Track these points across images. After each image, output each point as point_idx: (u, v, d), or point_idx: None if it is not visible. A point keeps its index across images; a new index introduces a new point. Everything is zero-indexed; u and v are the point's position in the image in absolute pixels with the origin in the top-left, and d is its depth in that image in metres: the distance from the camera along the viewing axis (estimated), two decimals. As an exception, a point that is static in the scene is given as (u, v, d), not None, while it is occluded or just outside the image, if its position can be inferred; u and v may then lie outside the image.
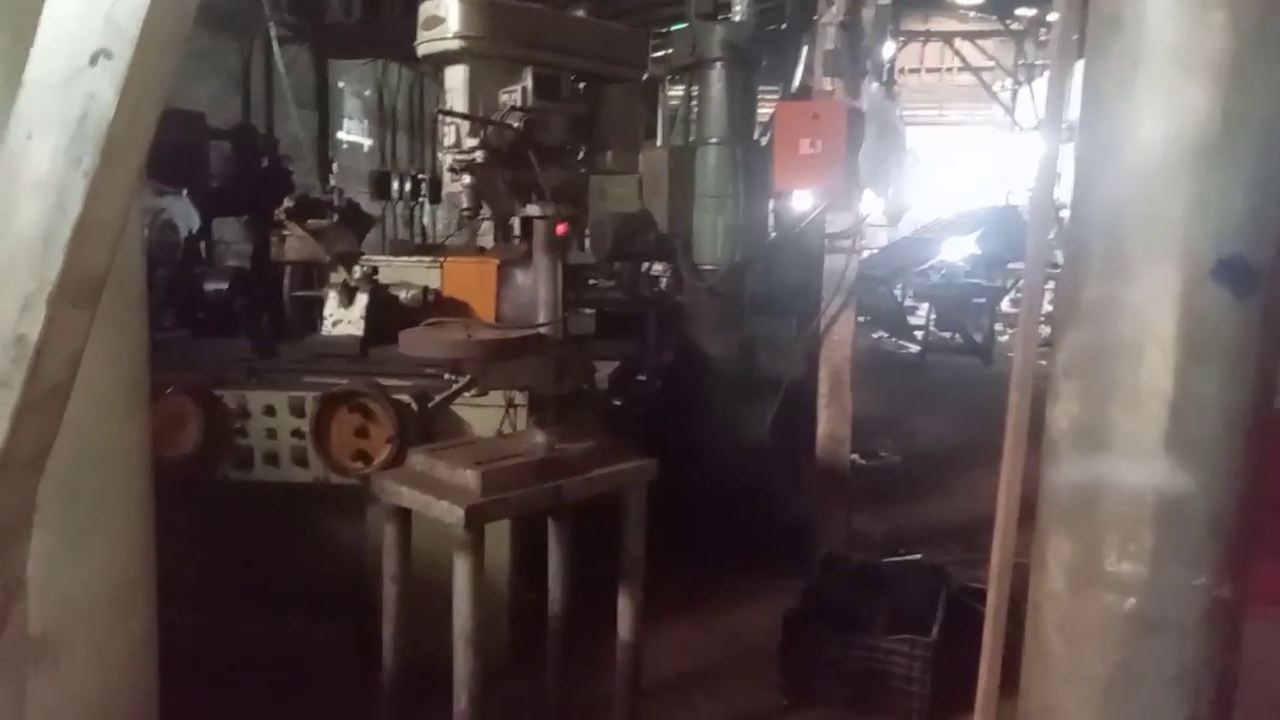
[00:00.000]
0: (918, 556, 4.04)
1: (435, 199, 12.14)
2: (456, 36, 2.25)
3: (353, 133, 10.85)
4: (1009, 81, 15.99)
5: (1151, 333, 0.95)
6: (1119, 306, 0.98)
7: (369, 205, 10.33)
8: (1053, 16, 14.41)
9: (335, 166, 9.74)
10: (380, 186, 10.71)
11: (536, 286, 2.62)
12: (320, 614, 3.34)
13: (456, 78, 2.33)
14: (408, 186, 11.33)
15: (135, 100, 1.28)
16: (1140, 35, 0.95)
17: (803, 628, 3.35)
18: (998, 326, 11.30)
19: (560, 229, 2.47)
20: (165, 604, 3.29)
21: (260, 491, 3.32)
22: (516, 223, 2.58)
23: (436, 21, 2.26)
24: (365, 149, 11.23)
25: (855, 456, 4.78)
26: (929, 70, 17.20)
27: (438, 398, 2.60)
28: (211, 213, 5.38)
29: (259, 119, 8.28)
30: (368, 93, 11.03)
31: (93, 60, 1.26)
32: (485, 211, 2.57)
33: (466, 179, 2.39)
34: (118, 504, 1.93)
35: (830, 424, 4.22)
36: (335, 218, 3.81)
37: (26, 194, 1.30)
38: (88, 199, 1.27)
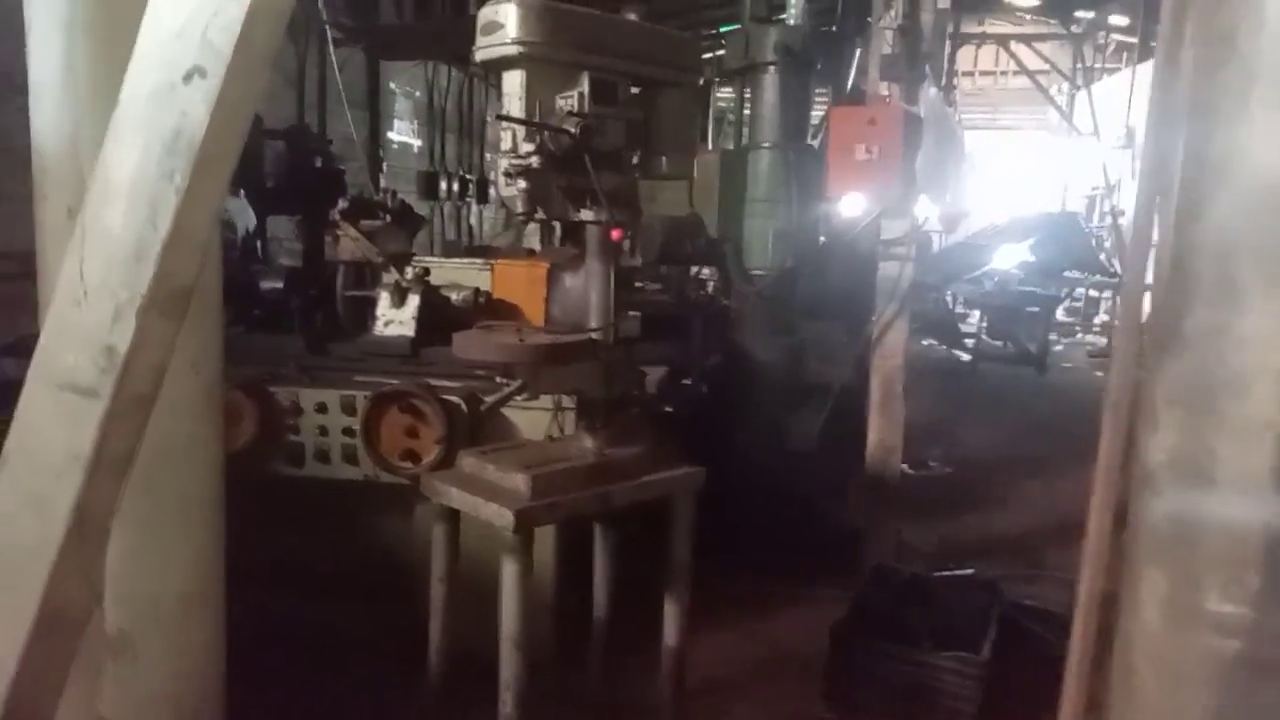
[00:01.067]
0: (969, 571, 3.96)
1: (482, 199, 12.27)
2: (514, 42, 2.25)
3: (402, 133, 10.98)
4: (1065, 85, 15.68)
5: (1264, 364, 0.90)
6: (1228, 336, 0.93)
7: (417, 205, 10.49)
8: (1114, 20, 14.06)
9: (385, 166, 9.88)
10: (429, 187, 10.87)
11: (588, 291, 2.61)
12: (369, 602, 3.38)
13: (514, 83, 2.33)
14: (455, 187, 11.47)
15: (226, 117, 1.31)
16: (1258, 55, 0.90)
17: (850, 640, 3.30)
18: (1052, 336, 11.08)
19: (615, 234, 2.45)
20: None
21: (311, 487, 3.36)
22: (558, 225, 2.58)
23: (495, 27, 2.26)
24: (414, 149, 11.36)
25: (905, 466, 4.71)
26: (983, 73, 16.95)
27: (488, 401, 2.60)
28: (266, 211, 5.46)
29: (312, 118, 8.42)
30: (418, 94, 11.16)
31: (187, 78, 1.29)
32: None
33: (522, 184, 2.39)
34: (192, 503, 2.00)
35: (880, 433, 4.16)
36: (388, 219, 3.85)
37: (120, 206, 1.33)
38: (179, 213, 1.30)
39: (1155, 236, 1.05)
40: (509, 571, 2.38)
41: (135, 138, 1.33)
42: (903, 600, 3.63)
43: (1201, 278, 0.96)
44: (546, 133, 2.29)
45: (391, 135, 10.74)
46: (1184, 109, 0.97)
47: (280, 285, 3.82)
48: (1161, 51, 0.95)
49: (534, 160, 2.33)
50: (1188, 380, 0.97)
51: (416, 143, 11.50)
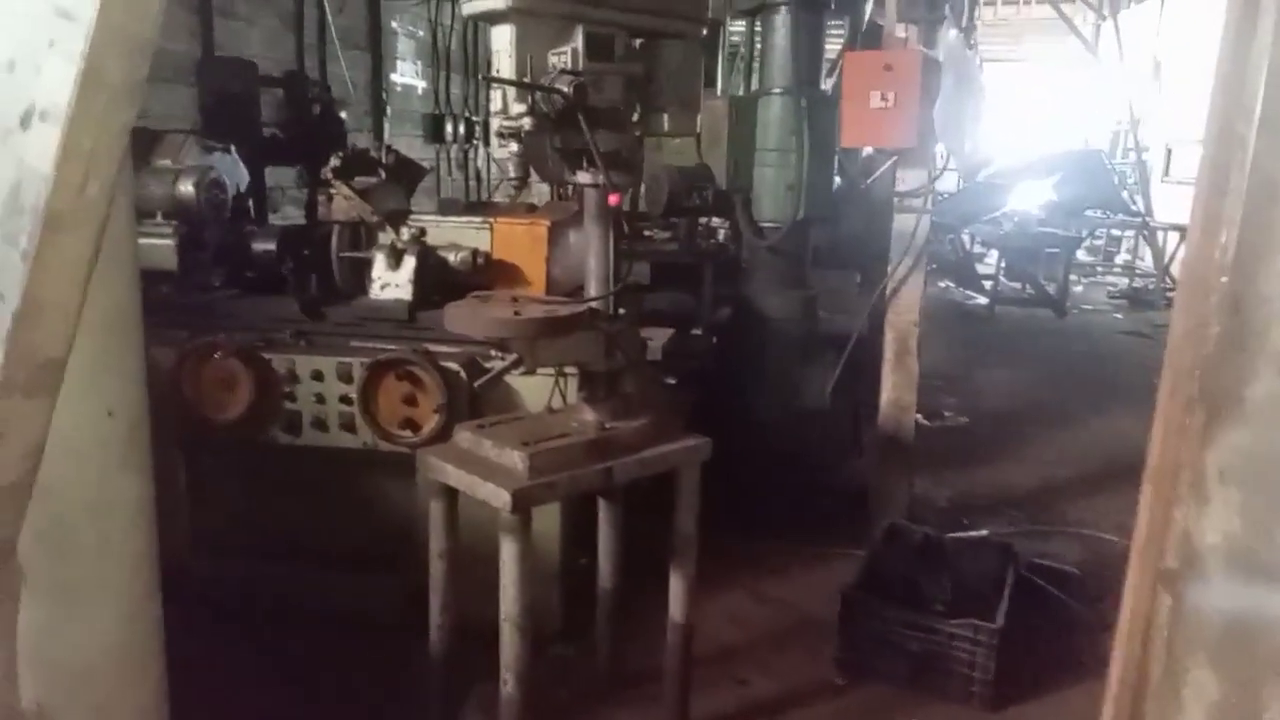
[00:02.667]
0: (983, 533, 3.89)
1: (490, 141, 12.01)
2: (502, -7, 2.10)
3: (406, 75, 10.70)
4: (1091, 15, 15.10)
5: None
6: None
7: (423, 149, 10.27)
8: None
9: (388, 110, 9.64)
10: (434, 130, 10.62)
11: (587, 257, 2.49)
12: (370, 571, 3.35)
13: (503, 38, 2.17)
14: (461, 129, 11.21)
15: (83, 165, 1.09)
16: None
17: (862, 604, 3.25)
18: (1072, 277, 10.84)
19: (612, 199, 2.32)
20: (219, 558, 3.37)
21: (309, 454, 3.31)
22: (568, 177, 2.44)
23: (481, -23, 2.11)
24: (419, 91, 11.08)
25: (919, 417, 4.60)
26: (1005, 3, 16.32)
27: (482, 379, 2.50)
28: (263, 162, 5.33)
29: (312, 61, 8.18)
30: (421, 34, 10.84)
31: (24, 122, 1.07)
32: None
33: (514, 146, 2.25)
34: (116, 562, 1.77)
35: (895, 390, 4.05)
36: (383, 175, 3.71)
37: None
38: (29, 283, 1.10)
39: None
40: (508, 552, 2.31)
41: None
42: (915, 561, 3.57)
43: (1267, 341, 0.81)
44: (538, 93, 2.14)
45: (395, 78, 10.46)
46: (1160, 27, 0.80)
47: (273, 247, 3.71)
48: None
49: (526, 122, 2.19)
50: (1249, 456, 0.84)
51: (421, 84, 11.22)
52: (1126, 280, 12.20)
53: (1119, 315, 10.60)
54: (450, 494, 2.53)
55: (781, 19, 4.09)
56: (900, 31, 3.72)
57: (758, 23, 4.34)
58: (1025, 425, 6.21)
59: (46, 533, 1.25)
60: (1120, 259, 13.63)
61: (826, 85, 5.24)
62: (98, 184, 1.13)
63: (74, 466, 1.26)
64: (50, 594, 1.48)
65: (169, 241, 3.52)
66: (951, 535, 3.80)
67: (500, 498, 2.26)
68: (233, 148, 4.02)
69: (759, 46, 4.44)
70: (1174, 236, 10.95)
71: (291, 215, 6.53)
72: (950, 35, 3.65)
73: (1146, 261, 12.48)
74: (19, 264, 1.10)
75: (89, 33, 1.04)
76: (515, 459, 2.33)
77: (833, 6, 4.38)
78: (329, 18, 7.03)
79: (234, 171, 3.92)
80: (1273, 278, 0.83)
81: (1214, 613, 0.87)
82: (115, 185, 1.16)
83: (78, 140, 1.08)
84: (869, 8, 6.70)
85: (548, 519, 3.12)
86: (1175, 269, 10.75)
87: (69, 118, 1.07)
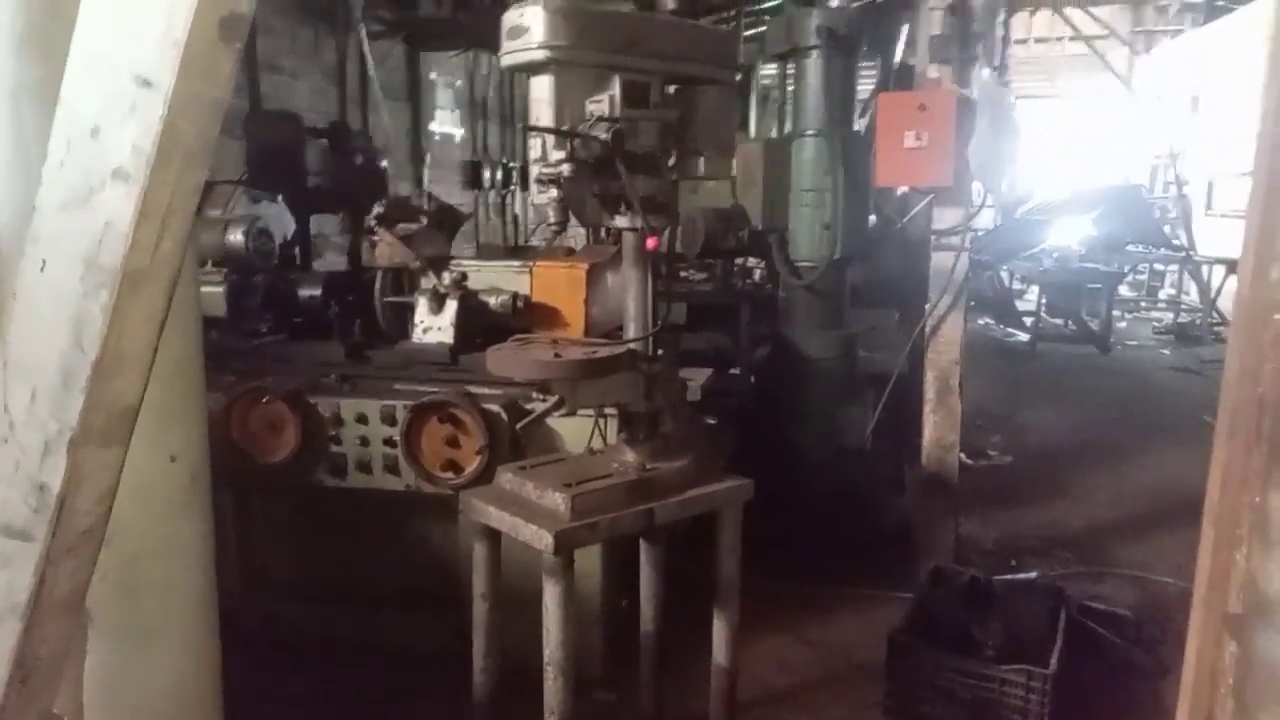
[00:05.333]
0: (1033, 575, 3.80)
1: (526, 186, 12.22)
2: (541, 46, 2.15)
3: (445, 123, 10.95)
4: (1124, 50, 15.07)
5: None
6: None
7: (462, 194, 10.47)
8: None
9: (428, 158, 9.86)
10: (472, 176, 10.85)
11: (626, 300, 2.52)
12: (415, 611, 3.37)
13: (542, 88, 2.23)
14: (499, 175, 11.44)
15: (159, 223, 1.15)
16: None
17: (911, 649, 3.18)
18: (1115, 313, 10.68)
19: (651, 243, 2.35)
20: (268, 599, 3.41)
21: (355, 496, 3.35)
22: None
23: (521, 31, 2.16)
24: (457, 139, 11.33)
25: (962, 456, 4.54)
26: (1038, 40, 16.34)
27: (524, 421, 2.52)
28: (308, 212, 5.46)
29: (355, 112, 8.42)
30: (459, 83, 11.12)
31: (105, 183, 1.13)
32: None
33: (554, 192, 2.30)
34: (180, 605, 1.82)
35: (937, 430, 4.00)
36: (425, 221, 3.78)
37: (43, 329, 1.18)
38: (108, 334, 1.15)
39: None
40: (550, 594, 2.31)
41: (55, 251, 1.17)
42: (963, 604, 3.50)
43: None
44: (577, 140, 2.19)
45: (433, 127, 10.72)
46: (1197, 60, 0.79)
47: (318, 292, 3.79)
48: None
49: (565, 168, 2.23)
50: None
51: (459, 132, 11.48)
52: (1172, 315, 11.99)
53: (1165, 351, 10.40)
54: (493, 536, 2.54)
55: (813, 62, 4.14)
56: (933, 72, 3.74)
57: (790, 66, 4.39)
58: (1072, 464, 6.09)
59: (112, 576, 1.28)
60: (1164, 294, 13.40)
61: (859, 125, 5.27)
62: (171, 241, 1.18)
63: (139, 510, 1.29)
64: (116, 636, 1.51)
65: (219, 289, 3.62)
66: (1000, 578, 3.72)
67: (543, 539, 2.26)
68: (279, 197, 4.14)
69: (791, 89, 4.48)
70: (1219, 270, 10.76)
71: (335, 262, 6.68)
72: (983, 74, 3.66)
73: (1192, 296, 12.26)
74: (99, 317, 1.15)
75: (167, 98, 1.10)
76: (557, 500, 2.34)
77: (864, 49, 4.42)
78: (370, 71, 7.26)
79: (280, 220, 4.03)
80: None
81: (1285, 662, 0.84)
82: (188, 241, 1.22)
83: (155, 200, 1.14)
84: (900, 49, 6.76)
85: (589, 561, 3.12)
86: (1222, 303, 10.54)
87: (147, 179, 1.12)
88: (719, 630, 2.70)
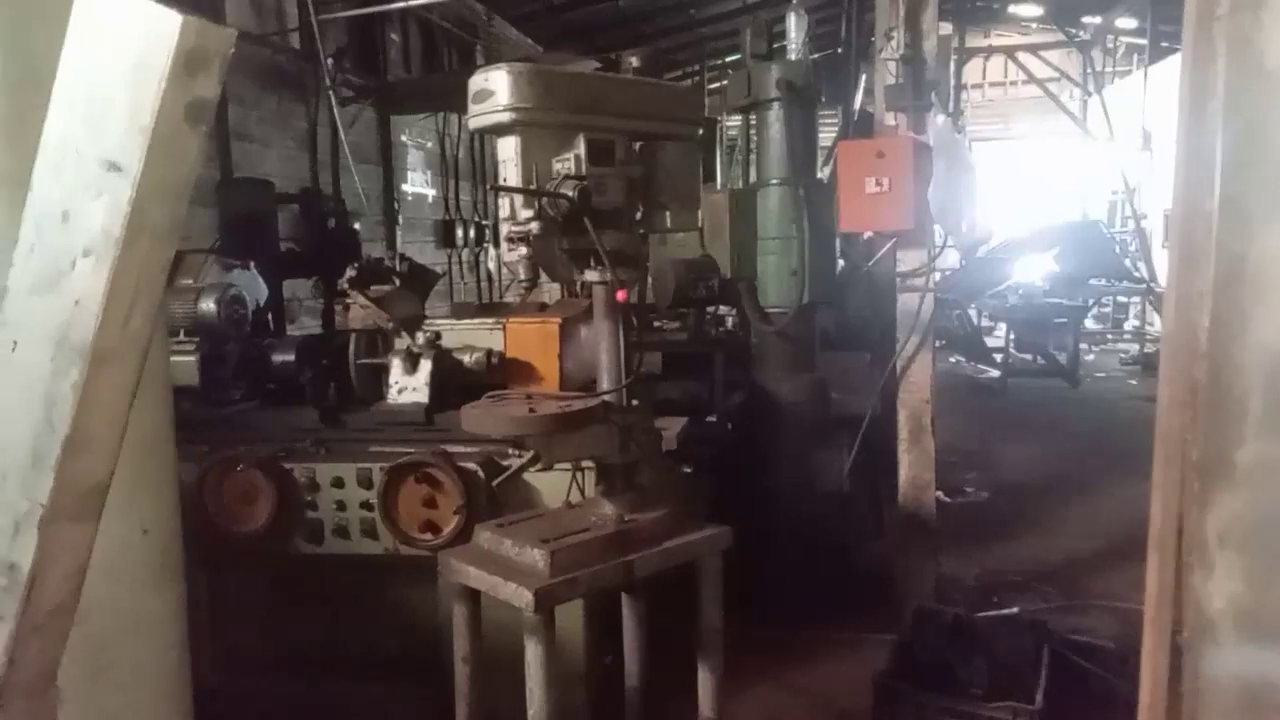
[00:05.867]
0: (1014, 611, 3.82)
1: (499, 243, 12.32)
2: (507, 109, 2.20)
3: (417, 184, 11.04)
4: (1077, 91, 15.54)
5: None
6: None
7: (435, 253, 10.50)
8: (1122, 23, 13.90)
9: (401, 219, 9.93)
10: (445, 235, 10.94)
11: (598, 352, 2.55)
12: (398, 679, 3.30)
13: (509, 148, 2.28)
14: (472, 233, 11.54)
15: (128, 301, 1.17)
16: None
17: (896, 693, 3.17)
18: (1082, 346, 10.86)
19: (620, 295, 2.39)
20: (244, 675, 3.34)
21: (332, 563, 3.31)
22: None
23: (486, 95, 2.22)
24: (429, 199, 11.42)
25: (939, 494, 4.57)
26: (993, 84, 16.84)
27: (501, 478, 2.53)
28: (281, 276, 5.48)
29: (327, 176, 8.48)
30: (429, 144, 11.24)
31: (75, 265, 1.16)
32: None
33: (524, 249, 2.33)
34: (151, 684, 1.80)
35: (912, 469, 4.04)
36: (397, 282, 3.81)
37: (14, 409, 1.19)
38: (78, 412, 1.17)
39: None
40: (532, 653, 2.29)
41: (25, 332, 1.20)
42: (947, 643, 3.49)
43: (1247, 406, 0.84)
44: (544, 199, 2.23)
45: (406, 187, 10.81)
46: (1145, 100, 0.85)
47: (291, 358, 3.79)
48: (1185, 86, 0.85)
49: (534, 226, 2.27)
50: (1244, 521, 0.85)
51: (431, 193, 11.58)
52: (1137, 346, 12.21)
53: (1133, 381, 10.57)
54: (473, 596, 2.52)
55: (774, 114, 4.25)
56: (890, 119, 3.86)
57: (752, 118, 4.51)
58: (1048, 497, 6.15)
59: (82, 654, 1.26)
60: (1129, 325, 13.66)
61: (823, 173, 5.40)
62: (140, 318, 1.21)
63: (110, 586, 1.28)
64: (86, 716, 1.47)
65: (191, 358, 3.60)
66: (982, 615, 3.73)
67: (523, 598, 2.25)
68: (252, 264, 4.15)
69: (755, 140, 4.60)
70: (1181, 300, 10.97)
71: (308, 325, 6.67)
72: (939, 120, 3.78)
73: (1155, 326, 12.50)
74: (69, 395, 1.17)
75: (135, 181, 1.13)
76: (536, 557, 2.33)
77: (823, 100, 4.55)
78: (341, 135, 7.34)
79: (253, 287, 4.04)
80: (1247, 349, 0.86)
81: (1229, 679, 0.86)
82: (155, 317, 1.24)
83: (123, 280, 1.16)
84: (859, 97, 6.94)
85: (572, 619, 3.10)
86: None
87: (115, 260, 1.15)
88: (704, 681, 2.68)
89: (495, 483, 2.59)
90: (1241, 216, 0.85)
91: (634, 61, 2.64)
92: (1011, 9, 14.45)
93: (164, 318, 1.41)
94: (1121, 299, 13.24)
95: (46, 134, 1.19)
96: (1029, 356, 10.76)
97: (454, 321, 3.65)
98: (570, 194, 2.23)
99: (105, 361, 1.18)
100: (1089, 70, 14.93)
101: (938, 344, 4.12)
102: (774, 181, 4.29)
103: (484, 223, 11.86)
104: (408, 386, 3.46)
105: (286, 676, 3.37)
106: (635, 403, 2.61)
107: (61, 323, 1.17)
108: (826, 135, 7.61)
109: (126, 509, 1.25)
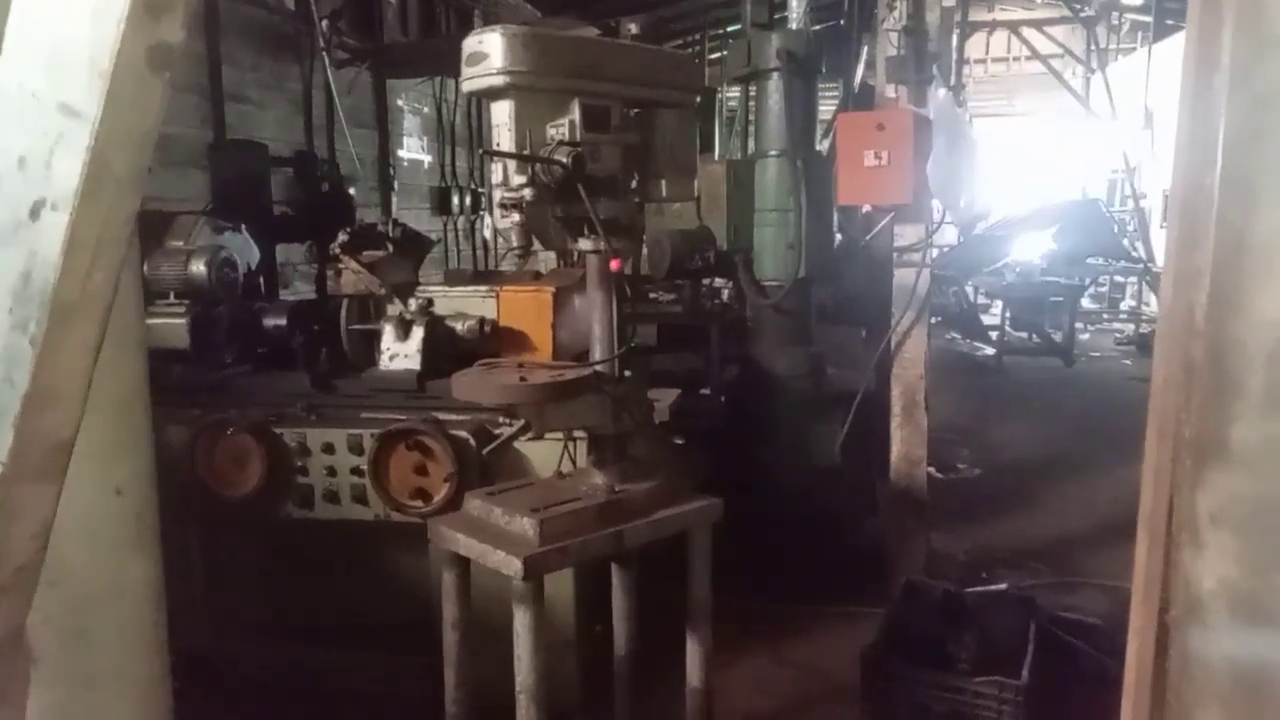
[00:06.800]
0: (1003, 586, 3.83)
1: (493, 210, 12.23)
2: (501, 72, 2.16)
3: (412, 150, 10.94)
4: (1080, 69, 15.42)
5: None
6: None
7: (431, 221, 10.42)
8: (1127, 0, 13.78)
9: (396, 185, 9.85)
10: (441, 202, 10.85)
11: (591, 322, 2.52)
12: (388, 645, 3.31)
13: (502, 113, 2.24)
14: (468, 200, 11.45)
15: (89, 255, 1.14)
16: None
17: (884, 665, 3.19)
18: (1078, 325, 10.86)
19: (614, 264, 2.36)
20: (237, 639, 3.35)
21: (323, 528, 3.30)
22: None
23: (480, 57, 2.17)
24: (425, 165, 11.32)
25: (932, 470, 4.58)
26: (996, 60, 16.69)
27: (491, 446, 2.52)
28: (274, 240, 5.43)
29: (322, 140, 8.39)
30: (426, 110, 11.13)
31: (33, 213, 1.12)
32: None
33: (516, 216, 2.30)
34: (128, 647, 1.77)
35: (905, 445, 4.03)
36: (390, 248, 3.77)
37: None
38: (37, 368, 1.14)
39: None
40: (521, 621, 2.29)
41: None
42: (936, 618, 3.51)
43: (1247, 384, 0.82)
44: (538, 164, 2.20)
45: (401, 153, 10.71)
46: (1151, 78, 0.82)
47: (284, 322, 3.76)
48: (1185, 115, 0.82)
49: (527, 193, 2.24)
50: (1239, 501, 0.83)
51: (427, 159, 11.47)
52: (1133, 326, 12.20)
53: (1128, 361, 10.57)
54: (463, 563, 2.52)
55: (774, 84, 4.19)
56: (890, 92, 3.81)
57: (752, 88, 4.45)
58: (1040, 475, 6.16)
59: (58, 618, 1.25)
60: (1125, 305, 13.65)
61: (822, 146, 5.34)
62: (103, 273, 1.17)
63: (85, 548, 1.26)
64: (62, 681, 1.46)
65: (181, 321, 3.57)
66: (972, 590, 3.75)
67: (511, 565, 2.25)
68: (244, 227, 4.11)
69: (754, 111, 4.54)
70: (1178, 281, 10.95)
71: (302, 290, 6.63)
72: (940, 94, 3.73)
73: (1152, 307, 12.50)
74: (28, 350, 1.14)
75: (94, 128, 1.10)
76: (525, 525, 2.32)
77: (824, 71, 4.49)
78: (337, 99, 7.24)
79: (245, 250, 3.99)
80: (1244, 325, 0.85)
81: (1220, 661, 0.86)
82: (120, 272, 1.21)
83: (83, 231, 1.13)
84: (860, 70, 6.87)
85: (562, 587, 3.10)
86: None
87: (75, 209, 1.11)
88: (693, 652, 2.69)
89: (486, 451, 2.58)
90: (1245, 192, 0.83)
91: (633, 28, 2.59)
92: (1017, -17, 14.31)
93: (138, 275, 1.38)
94: (1119, 279, 13.22)
95: (2, 77, 1.15)
96: (1025, 335, 10.76)
97: (447, 288, 3.62)
98: (564, 160, 2.19)
99: (67, 315, 1.15)
100: (1093, 47, 14.79)
101: (933, 320, 4.11)
102: (772, 153, 4.24)
103: (480, 190, 11.76)
104: (400, 353, 3.44)
105: (277, 642, 3.38)
106: (628, 373, 2.59)
107: (20, 274, 1.13)
108: (827, 108, 7.53)
109: (101, 469, 1.23)
